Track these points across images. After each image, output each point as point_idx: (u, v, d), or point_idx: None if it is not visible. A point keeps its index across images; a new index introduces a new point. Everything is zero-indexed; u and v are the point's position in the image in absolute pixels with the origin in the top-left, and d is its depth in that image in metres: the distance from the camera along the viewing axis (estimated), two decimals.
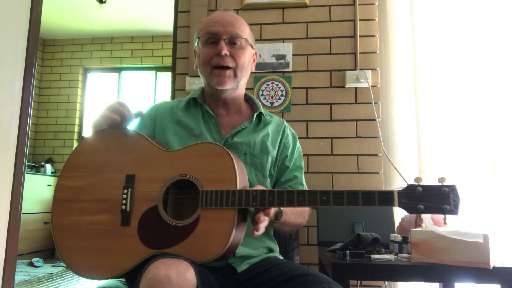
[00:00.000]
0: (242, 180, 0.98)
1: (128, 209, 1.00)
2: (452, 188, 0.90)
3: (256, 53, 1.27)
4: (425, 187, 0.91)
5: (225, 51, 1.12)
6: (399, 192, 0.90)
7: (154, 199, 0.99)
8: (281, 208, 1.04)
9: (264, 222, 0.95)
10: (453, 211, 0.88)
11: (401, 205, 0.89)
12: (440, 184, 0.91)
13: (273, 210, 0.98)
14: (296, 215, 1.16)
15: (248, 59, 1.19)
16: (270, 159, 1.20)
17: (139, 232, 0.97)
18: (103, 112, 1.08)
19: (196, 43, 1.21)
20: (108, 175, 1.06)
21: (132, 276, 0.96)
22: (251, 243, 1.13)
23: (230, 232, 0.91)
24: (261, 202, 0.93)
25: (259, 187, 0.96)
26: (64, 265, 4.00)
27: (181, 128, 1.18)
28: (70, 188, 1.07)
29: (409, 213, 0.90)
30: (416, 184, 0.91)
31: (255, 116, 1.22)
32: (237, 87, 1.19)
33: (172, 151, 1.05)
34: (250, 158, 1.16)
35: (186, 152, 1.02)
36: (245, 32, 1.18)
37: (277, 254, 1.21)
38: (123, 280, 1.12)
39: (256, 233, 0.93)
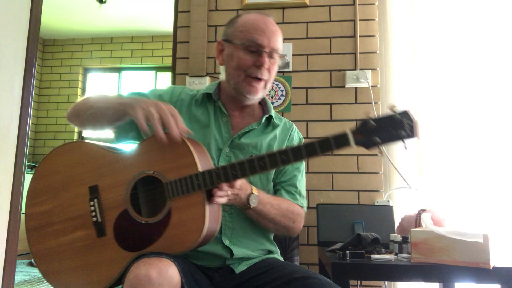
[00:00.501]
0: (203, 162, 0.96)
1: (100, 220, 1.00)
2: (404, 113, 0.88)
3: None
4: (378, 119, 0.89)
5: (267, 65, 1.12)
6: (352, 130, 0.88)
7: (122, 203, 0.98)
8: (255, 193, 1.03)
9: (223, 192, 0.92)
10: (410, 135, 0.87)
11: (358, 143, 0.88)
12: (392, 112, 0.89)
13: (239, 183, 0.96)
14: (277, 210, 1.11)
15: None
16: None
17: (116, 239, 0.97)
18: (158, 108, 0.95)
19: (229, 41, 1.16)
20: (72, 192, 1.05)
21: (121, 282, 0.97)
22: (249, 245, 1.13)
23: (204, 215, 0.90)
24: (226, 178, 0.91)
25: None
26: None
27: (193, 120, 1.17)
28: (39, 214, 1.06)
29: (368, 149, 0.89)
30: (368, 118, 0.89)
31: (264, 118, 1.21)
32: (262, 96, 1.20)
33: (126, 151, 1.03)
34: None
35: (141, 149, 1.01)
36: (281, 44, 1.18)
37: (277, 255, 1.20)
38: None
39: (215, 199, 0.91)
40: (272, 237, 1.22)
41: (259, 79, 1.13)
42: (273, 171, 1.19)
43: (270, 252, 1.19)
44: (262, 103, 1.27)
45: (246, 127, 1.18)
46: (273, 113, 1.24)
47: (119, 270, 0.94)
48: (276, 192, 1.21)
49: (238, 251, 1.07)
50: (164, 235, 0.92)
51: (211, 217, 0.92)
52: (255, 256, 1.12)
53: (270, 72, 1.15)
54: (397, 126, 0.87)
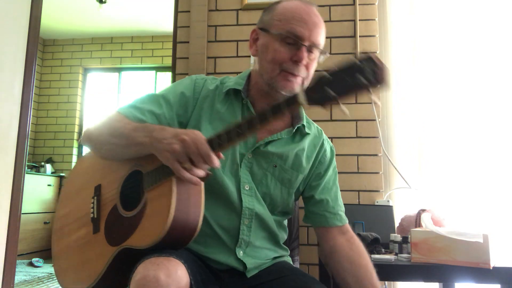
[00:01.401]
0: None
1: (96, 216, 1.02)
2: (367, 58, 0.73)
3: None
4: (335, 71, 0.76)
5: (305, 61, 1.00)
6: (306, 88, 0.79)
7: (114, 199, 1.00)
8: None
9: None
10: (373, 81, 0.72)
11: (311, 100, 0.78)
12: (351, 61, 0.74)
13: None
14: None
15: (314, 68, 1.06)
16: (301, 177, 1.10)
17: (105, 234, 0.98)
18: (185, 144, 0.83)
19: (265, 30, 1.04)
20: (83, 193, 1.10)
21: (119, 279, 0.95)
22: (263, 253, 1.08)
23: (169, 205, 0.84)
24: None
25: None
26: None
27: (217, 118, 1.06)
28: (61, 217, 1.14)
29: (323, 106, 0.77)
30: (324, 71, 0.77)
31: (295, 128, 1.09)
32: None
33: None
34: (279, 172, 1.07)
35: None
36: (323, 38, 1.05)
37: (286, 258, 1.17)
38: None
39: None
40: (282, 241, 1.17)
41: (296, 75, 1.00)
42: (297, 184, 1.11)
43: (281, 256, 1.16)
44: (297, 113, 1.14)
45: (274, 135, 1.07)
46: (305, 122, 1.12)
47: (103, 265, 0.95)
48: (314, 204, 1.12)
49: (251, 263, 1.03)
50: (138, 228, 0.90)
51: (180, 205, 0.85)
52: (266, 261, 1.08)
53: (308, 70, 1.02)
54: (357, 74, 0.73)
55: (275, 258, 1.12)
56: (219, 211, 1.02)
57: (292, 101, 0.80)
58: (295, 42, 0.99)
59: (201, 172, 0.85)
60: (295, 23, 1.00)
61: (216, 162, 0.83)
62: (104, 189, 1.04)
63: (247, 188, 1.04)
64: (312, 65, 1.03)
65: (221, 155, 0.86)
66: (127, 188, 1.00)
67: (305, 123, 1.12)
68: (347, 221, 1.14)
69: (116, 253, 0.92)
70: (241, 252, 1.03)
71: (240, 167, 1.04)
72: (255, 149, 1.05)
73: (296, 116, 1.12)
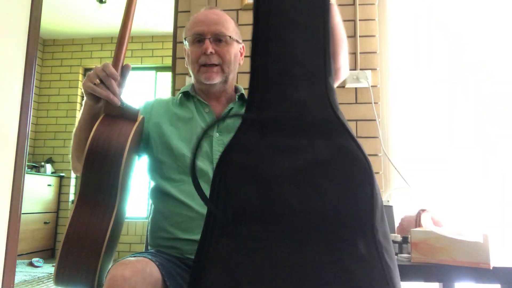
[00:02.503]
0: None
1: None
2: None
3: (243, 47, 1.30)
4: None
5: (210, 49, 1.16)
6: None
7: None
8: None
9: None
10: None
11: None
12: None
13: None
14: None
15: (234, 54, 1.22)
16: None
17: None
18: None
19: (185, 43, 1.25)
20: None
21: None
22: None
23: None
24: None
25: None
26: None
27: (175, 119, 1.21)
28: None
29: None
30: None
31: (237, 96, 1.26)
32: (226, 81, 1.23)
33: None
34: None
35: None
36: (229, 29, 1.21)
37: None
38: None
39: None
40: None
41: (212, 65, 1.17)
42: None
43: None
44: (236, 91, 1.31)
45: (225, 109, 1.23)
46: (245, 93, 1.28)
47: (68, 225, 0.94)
48: None
49: None
50: None
51: (101, 128, 0.92)
52: None
53: (221, 56, 1.17)
54: None
55: None
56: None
57: None
58: (201, 39, 1.18)
59: (109, 87, 0.96)
60: (196, 26, 1.20)
61: (111, 69, 0.97)
62: None
63: None
64: (225, 52, 1.18)
65: (128, 64, 1.03)
66: None
67: (244, 94, 1.28)
68: None
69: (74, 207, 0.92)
70: None
71: (212, 146, 1.16)
72: (218, 127, 1.19)
73: (236, 90, 1.30)
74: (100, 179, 0.89)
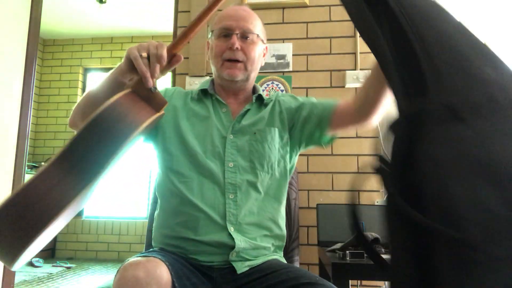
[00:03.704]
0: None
1: None
2: None
3: (266, 48, 1.29)
4: None
5: (237, 45, 1.14)
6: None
7: None
8: None
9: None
10: None
11: None
12: None
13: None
14: None
15: (258, 53, 1.20)
16: (276, 130, 1.19)
17: None
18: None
19: (210, 36, 1.23)
20: None
21: None
22: (255, 231, 1.10)
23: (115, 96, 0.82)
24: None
25: None
26: (65, 265, 3.99)
27: (191, 114, 1.19)
28: None
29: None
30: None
31: (254, 97, 1.23)
32: (247, 79, 1.21)
33: None
34: (260, 135, 1.17)
35: None
36: (257, 27, 1.20)
37: (279, 257, 1.17)
38: None
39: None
40: (280, 220, 1.18)
41: (236, 61, 1.16)
42: (274, 137, 1.18)
43: (275, 248, 1.16)
44: (254, 91, 1.29)
45: (241, 110, 1.21)
46: (263, 94, 1.27)
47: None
48: (310, 118, 1.19)
49: (241, 240, 1.05)
50: None
51: (123, 101, 0.81)
52: (259, 248, 1.09)
53: (246, 53, 1.16)
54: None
55: (266, 249, 1.12)
56: (207, 193, 1.08)
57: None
58: (228, 34, 1.17)
59: (151, 66, 0.88)
60: (224, 20, 1.18)
61: (164, 52, 0.88)
62: None
63: (231, 166, 1.12)
64: (251, 49, 1.17)
65: (180, 56, 0.93)
66: None
67: (264, 97, 1.25)
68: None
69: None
70: (232, 227, 1.07)
71: (225, 148, 1.14)
72: (232, 128, 1.16)
73: (254, 89, 1.27)
74: (94, 148, 0.76)
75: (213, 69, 1.23)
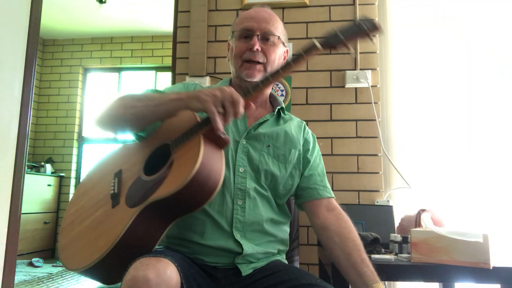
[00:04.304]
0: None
1: (116, 191, 1.02)
2: (364, 18, 1.00)
3: (287, 51, 1.28)
4: (340, 28, 1.01)
5: (257, 46, 1.15)
6: (318, 38, 1.02)
7: (137, 173, 1.02)
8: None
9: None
10: (371, 28, 0.98)
11: (324, 44, 1.01)
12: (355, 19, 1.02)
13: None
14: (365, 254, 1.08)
15: (279, 56, 1.20)
16: (294, 152, 1.20)
17: (126, 201, 0.98)
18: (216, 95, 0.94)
19: (231, 37, 1.23)
20: (101, 183, 1.10)
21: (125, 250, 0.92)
22: (261, 238, 1.11)
23: (197, 154, 0.90)
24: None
25: None
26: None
27: None
28: (71, 214, 1.11)
29: (335, 47, 1.02)
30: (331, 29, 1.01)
31: (277, 109, 1.24)
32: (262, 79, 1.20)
33: (146, 138, 1.12)
34: (273, 150, 1.17)
35: (160, 132, 1.08)
36: (278, 29, 1.20)
37: (281, 258, 1.19)
38: None
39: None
40: (284, 226, 1.20)
41: (255, 62, 1.16)
42: (292, 159, 1.19)
43: (279, 251, 1.17)
44: (272, 98, 1.30)
45: (260, 118, 1.20)
46: (283, 105, 1.29)
47: (121, 228, 0.90)
48: (304, 180, 1.22)
49: (248, 246, 1.06)
50: (164, 182, 0.93)
51: (207, 156, 0.91)
52: (265, 253, 1.10)
53: (266, 55, 1.17)
54: (359, 25, 0.99)
55: (272, 254, 1.13)
56: (216, 198, 1.07)
57: (310, 47, 1.00)
58: (249, 35, 1.17)
59: (228, 118, 0.94)
60: (246, 21, 1.19)
61: (242, 109, 0.94)
62: (126, 171, 1.06)
63: (241, 171, 1.12)
64: (271, 51, 1.18)
65: (252, 104, 1.01)
66: (152, 161, 1.04)
67: (284, 108, 1.28)
68: (334, 196, 1.23)
69: (138, 213, 0.90)
70: (238, 234, 1.07)
71: (237, 152, 1.13)
72: (247, 134, 1.15)
73: (274, 102, 1.28)
74: (182, 203, 0.92)
75: (232, 69, 1.23)
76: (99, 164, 1.20)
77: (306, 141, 1.26)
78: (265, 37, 1.17)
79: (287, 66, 1.02)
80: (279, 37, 1.19)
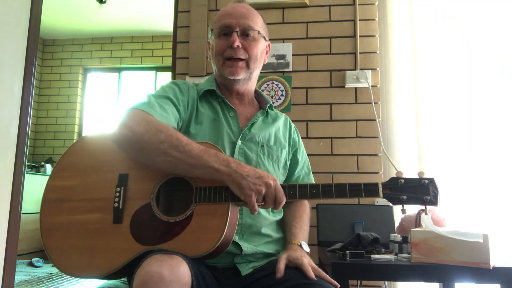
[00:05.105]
0: None
1: (120, 207, 1.00)
2: (431, 180, 0.95)
3: (269, 45, 1.27)
4: (407, 180, 0.96)
5: (237, 43, 1.13)
6: (383, 184, 0.96)
7: (147, 197, 0.99)
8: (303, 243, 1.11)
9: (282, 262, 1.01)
10: (433, 201, 0.94)
11: (385, 196, 0.96)
12: (420, 177, 0.97)
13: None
14: (306, 229, 1.20)
15: (260, 51, 1.19)
16: (284, 152, 1.23)
17: (131, 229, 0.97)
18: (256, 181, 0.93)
19: (210, 35, 1.21)
20: (101, 175, 1.05)
21: (126, 274, 0.97)
22: (259, 239, 1.11)
23: (224, 227, 0.92)
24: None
25: None
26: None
27: (203, 117, 1.17)
28: (61, 188, 1.07)
29: (393, 204, 0.97)
30: (398, 177, 0.97)
31: (267, 107, 1.25)
32: (249, 78, 1.20)
33: None
34: (267, 150, 1.18)
35: None
36: (258, 24, 1.19)
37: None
38: (124, 280, 1.11)
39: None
40: (279, 227, 1.22)
41: (237, 59, 1.15)
42: (283, 159, 1.23)
43: (278, 252, 1.17)
44: (257, 95, 1.30)
45: (252, 118, 1.20)
46: (271, 105, 1.30)
47: (124, 260, 0.93)
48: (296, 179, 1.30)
49: (247, 247, 1.06)
50: (179, 236, 0.93)
51: (228, 232, 0.93)
52: (263, 254, 1.11)
53: (247, 51, 1.15)
54: (423, 191, 0.95)
55: (269, 255, 1.13)
56: None
57: (371, 191, 0.97)
58: (228, 32, 1.15)
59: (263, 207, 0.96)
60: (224, 18, 1.17)
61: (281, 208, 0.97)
62: (133, 182, 1.01)
63: None
64: (252, 47, 1.16)
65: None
66: (165, 192, 1.01)
67: (272, 106, 1.29)
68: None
69: (143, 253, 0.92)
70: (237, 236, 1.07)
71: (234, 154, 1.12)
72: (242, 135, 1.15)
73: (262, 100, 1.28)
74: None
75: (214, 68, 1.21)
76: (107, 139, 1.05)
77: (293, 141, 1.29)
78: (245, 33, 1.15)
79: (341, 195, 0.98)
80: (259, 31, 1.17)
